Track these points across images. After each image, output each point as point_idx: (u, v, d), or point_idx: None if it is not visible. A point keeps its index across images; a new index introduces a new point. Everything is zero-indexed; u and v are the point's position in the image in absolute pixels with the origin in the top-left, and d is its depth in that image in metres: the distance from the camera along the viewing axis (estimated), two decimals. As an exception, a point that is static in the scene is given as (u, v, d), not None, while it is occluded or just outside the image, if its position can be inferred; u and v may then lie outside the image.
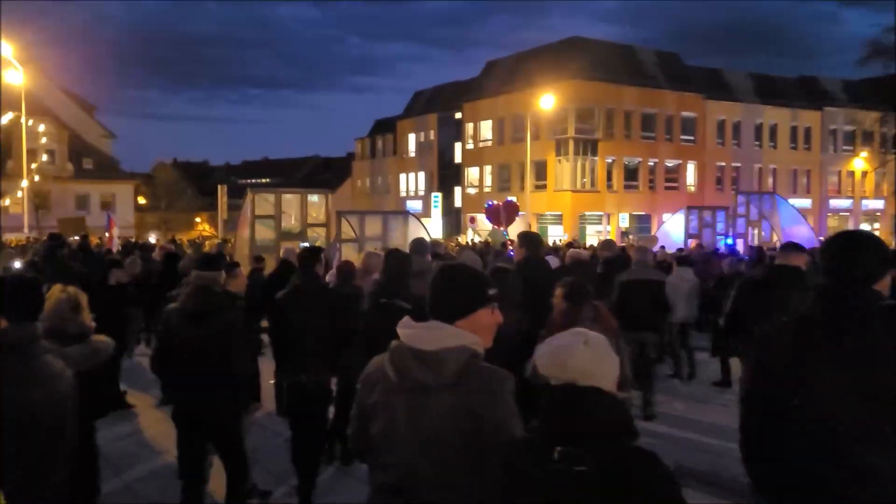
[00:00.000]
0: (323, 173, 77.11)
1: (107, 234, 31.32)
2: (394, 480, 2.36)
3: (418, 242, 7.62)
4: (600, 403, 2.09)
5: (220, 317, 4.67)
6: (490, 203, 26.63)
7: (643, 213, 47.48)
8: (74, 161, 54.04)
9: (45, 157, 52.15)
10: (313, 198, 18.01)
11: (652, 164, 48.47)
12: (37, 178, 46.90)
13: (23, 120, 32.34)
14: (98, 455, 4.52)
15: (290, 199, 17.43)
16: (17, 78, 31.36)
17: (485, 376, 2.32)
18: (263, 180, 64.67)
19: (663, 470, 2.01)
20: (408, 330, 2.41)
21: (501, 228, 23.09)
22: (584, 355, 2.14)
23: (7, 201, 40.87)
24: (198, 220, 62.54)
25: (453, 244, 25.84)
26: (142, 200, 57.04)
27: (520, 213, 24.81)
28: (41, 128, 51.27)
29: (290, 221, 17.37)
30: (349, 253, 15.12)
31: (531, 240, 6.88)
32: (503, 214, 23.05)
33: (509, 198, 29.98)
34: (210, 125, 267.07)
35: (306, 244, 14.83)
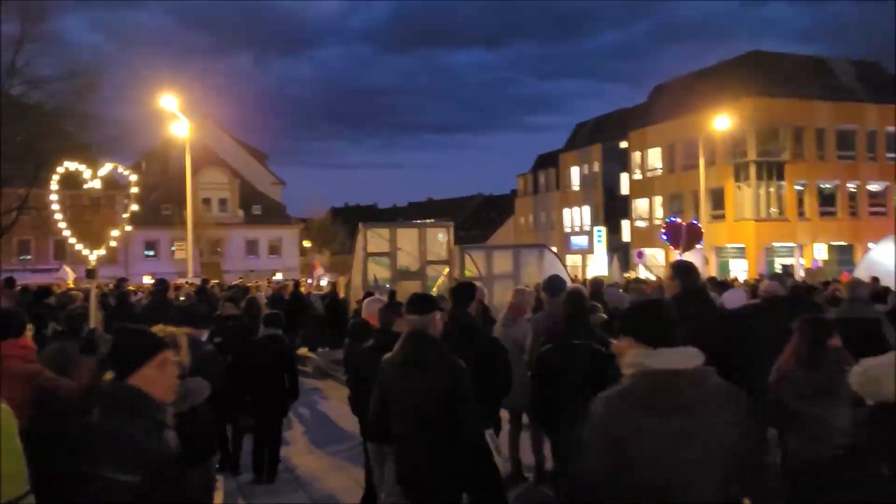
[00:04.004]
0: (487, 211, 75.83)
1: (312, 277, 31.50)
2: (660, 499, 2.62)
3: (556, 280, 7.01)
4: None
5: (440, 367, 4.21)
6: (673, 218, 23.58)
7: (843, 242, 41.37)
8: (244, 207, 56.17)
9: (217, 205, 54.62)
10: (435, 233, 15.86)
11: (852, 187, 42.39)
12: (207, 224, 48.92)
13: (187, 169, 33.02)
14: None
15: (405, 234, 15.41)
16: (183, 129, 31.98)
17: (734, 389, 2.74)
18: (428, 221, 64.31)
19: None
20: (653, 357, 2.71)
21: (677, 251, 20.15)
22: None
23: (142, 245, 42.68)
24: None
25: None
26: (307, 244, 58.25)
27: (701, 241, 21.66)
28: (214, 177, 53.78)
29: (407, 258, 15.30)
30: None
31: (685, 269, 5.50)
32: (684, 237, 20.04)
33: (694, 220, 26.57)
34: (387, 171, 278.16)
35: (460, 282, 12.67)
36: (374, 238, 15.21)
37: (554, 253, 16.21)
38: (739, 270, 38.31)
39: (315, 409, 11.72)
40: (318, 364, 15.35)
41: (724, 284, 16.14)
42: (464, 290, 5.44)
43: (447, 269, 15.31)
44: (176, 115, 29.82)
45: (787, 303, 6.72)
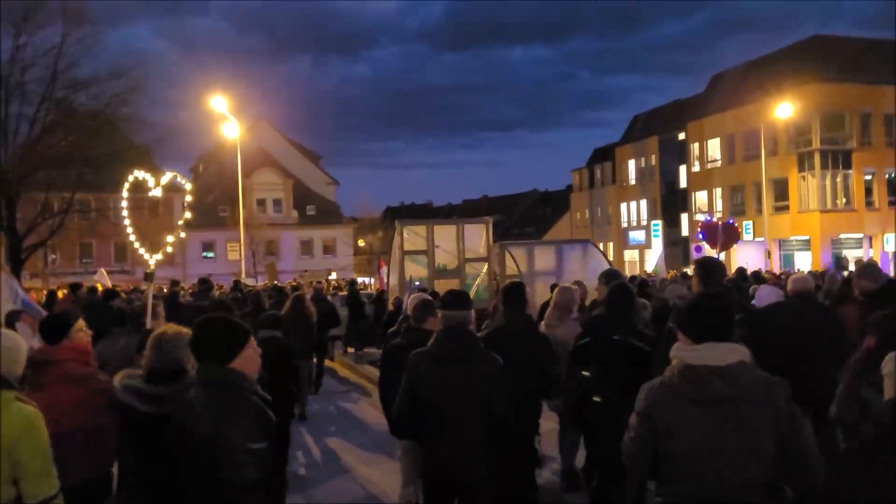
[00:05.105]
0: (542, 208, 74.83)
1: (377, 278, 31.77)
2: (703, 490, 2.75)
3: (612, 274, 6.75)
4: None
5: (478, 361, 4.16)
6: (709, 218, 23.53)
7: (916, 233, 39.25)
8: (298, 208, 56.61)
9: (272, 205, 55.21)
10: (474, 230, 15.37)
11: (925, 174, 40.19)
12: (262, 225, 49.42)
13: (238, 170, 33.32)
14: None
15: (443, 231, 14.95)
16: (234, 131, 32.28)
17: (776, 381, 2.83)
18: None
19: None
20: (690, 352, 2.85)
21: (714, 251, 19.66)
22: None
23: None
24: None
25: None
26: (361, 243, 58.42)
27: (740, 240, 21.55)
28: (268, 178, 54.29)
29: (445, 256, 14.87)
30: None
31: (708, 266, 5.21)
32: (721, 236, 19.77)
33: (730, 220, 25.90)
34: (444, 170, 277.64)
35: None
36: (411, 236, 14.82)
37: (598, 248, 15.60)
38: (804, 263, 36.76)
39: (343, 409, 11.47)
40: (352, 364, 15.29)
41: (779, 278, 15.35)
42: (512, 290, 5.46)
43: (486, 267, 14.85)
44: (227, 117, 30.14)
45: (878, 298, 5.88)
